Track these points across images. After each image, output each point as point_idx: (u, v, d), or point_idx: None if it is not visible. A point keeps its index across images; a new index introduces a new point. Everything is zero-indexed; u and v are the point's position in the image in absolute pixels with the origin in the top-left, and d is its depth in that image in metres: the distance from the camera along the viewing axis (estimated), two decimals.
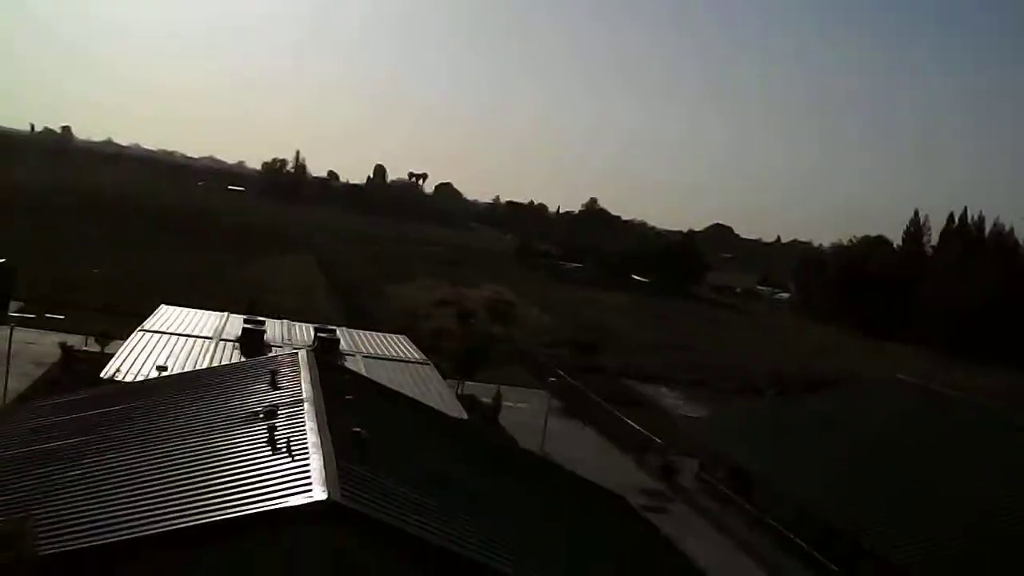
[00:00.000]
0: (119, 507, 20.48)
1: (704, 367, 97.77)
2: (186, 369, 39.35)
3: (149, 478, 22.19)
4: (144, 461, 23.54)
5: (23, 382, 51.01)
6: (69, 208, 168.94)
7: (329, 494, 19.62)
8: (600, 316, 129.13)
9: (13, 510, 20.14)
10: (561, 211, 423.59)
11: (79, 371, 51.33)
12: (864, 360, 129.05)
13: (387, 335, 65.61)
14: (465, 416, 45.91)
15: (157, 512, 19.90)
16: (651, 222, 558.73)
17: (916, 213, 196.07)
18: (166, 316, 58.65)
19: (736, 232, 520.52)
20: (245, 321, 55.30)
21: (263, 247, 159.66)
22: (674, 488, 51.63)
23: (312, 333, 57.10)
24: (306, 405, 26.63)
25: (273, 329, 56.98)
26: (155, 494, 20.98)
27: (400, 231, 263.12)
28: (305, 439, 23.32)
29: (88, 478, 22.74)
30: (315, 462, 21.52)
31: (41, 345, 60.09)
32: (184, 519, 19.55)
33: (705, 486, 49.74)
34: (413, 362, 55.82)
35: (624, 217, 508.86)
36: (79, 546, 18.65)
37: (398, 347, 60.40)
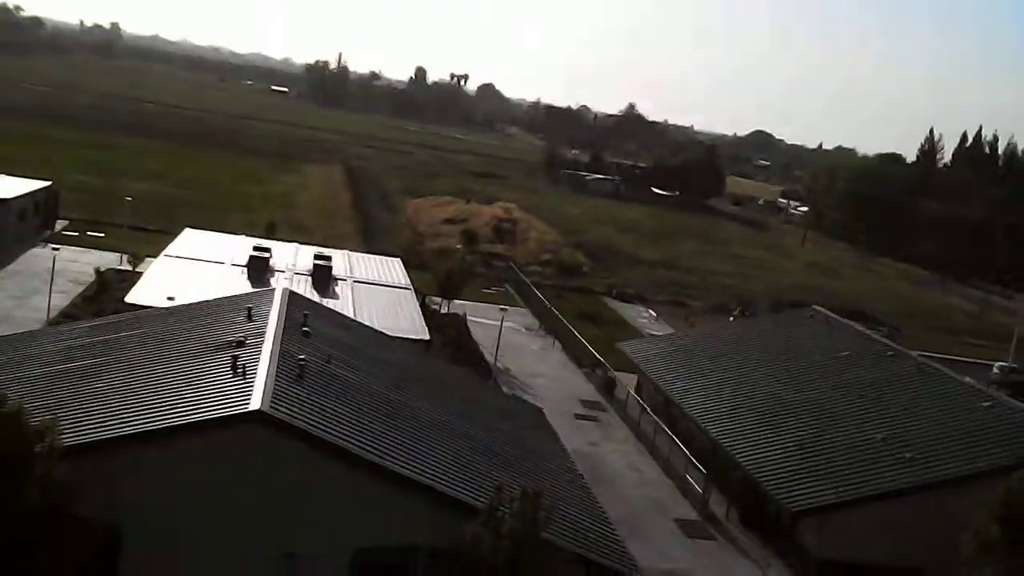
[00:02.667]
0: (114, 414, 29.77)
1: (688, 287, 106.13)
2: (193, 298, 48.02)
3: (141, 392, 31.41)
4: (139, 379, 32.75)
5: (63, 299, 60.47)
6: (115, 118, 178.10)
7: (260, 405, 28.71)
8: (607, 233, 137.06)
9: (44, 413, 29.32)
10: (599, 116, 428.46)
11: (110, 292, 60.65)
12: (853, 280, 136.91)
13: (383, 258, 74.56)
14: (427, 338, 54.81)
15: (141, 418, 29.16)
16: (696, 125, 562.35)
17: (931, 131, 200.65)
18: (188, 241, 67.79)
19: (778, 137, 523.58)
20: (254, 248, 64.06)
21: (296, 157, 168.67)
22: (611, 400, 60.57)
23: (312, 259, 65.67)
24: (268, 337, 35.58)
25: (279, 254, 65.75)
26: (142, 405, 30.22)
27: (435, 138, 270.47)
28: (257, 365, 32.39)
29: (97, 392, 32.01)
30: (258, 382, 30.59)
31: (81, 264, 69.36)
32: (158, 422, 28.81)
33: (636, 401, 58.48)
34: (396, 287, 64.61)
35: (669, 121, 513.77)
36: (83, 440, 27.91)
37: (389, 271, 69.15)
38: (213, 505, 28.61)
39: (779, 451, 44.65)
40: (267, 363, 32.33)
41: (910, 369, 51.18)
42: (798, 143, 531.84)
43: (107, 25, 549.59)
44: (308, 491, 29.09)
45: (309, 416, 30.11)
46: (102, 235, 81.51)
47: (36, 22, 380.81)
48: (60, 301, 59.64)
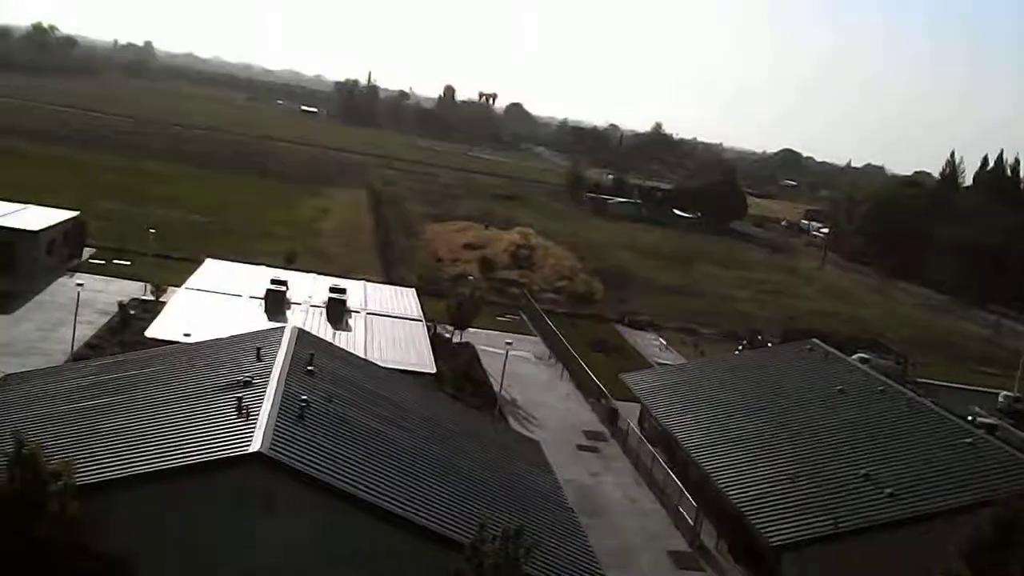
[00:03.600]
0: (125, 454, 32.07)
1: (701, 313, 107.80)
2: (209, 333, 50.28)
3: (150, 433, 33.70)
4: (149, 419, 35.06)
5: (89, 330, 63.01)
6: (146, 142, 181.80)
7: (260, 447, 30.89)
8: (625, 258, 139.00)
9: (60, 451, 31.58)
10: (625, 135, 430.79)
11: (132, 324, 63.16)
12: (869, 306, 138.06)
13: (397, 289, 76.95)
14: (433, 370, 57.00)
15: (149, 458, 31.43)
16: (725, 142, 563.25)
17: (952, 154, 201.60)
18: (208, 272, 70.30)
19: (808, 156, 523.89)
20: (271, 281, 66.40)
21: (323, 180, 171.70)
22: (613, 431, 62.43)
23: (328, 291, 67.86)
24: (273, 378, 37.82)
25: (296, 286, 68.09)
26: (151, 445, 32.51)
27: (462, 159, 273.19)
28: (261, 405, 34.60)
29: (110, 431, 34.34)
30: (260, 424, 32.79)
31: (107, 294, 71.95)
32: (166, 462, 31.06)
33: (636, 432, 60.28)
34: (408, 319, 66.84)
35: (698, 138, 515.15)
36: (95, 480, 30.19)
37: (402, 302, 71.38)
38: (216, 538, 30.77)
39: (766, 484, 46.41)
40: (270, 404, 34.56)
41: (900, 406, 52.81)
42: (828, 160, 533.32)
43: (140, 43, 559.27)
44: (304, 527, 31.22)
45: (307, 456, 32.30)
46: (128, 263, 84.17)
47: (69, 42, 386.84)
48: (85, 331, 62.15)
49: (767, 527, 42.93)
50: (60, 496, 28.24)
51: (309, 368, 40.46)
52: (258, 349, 41.37)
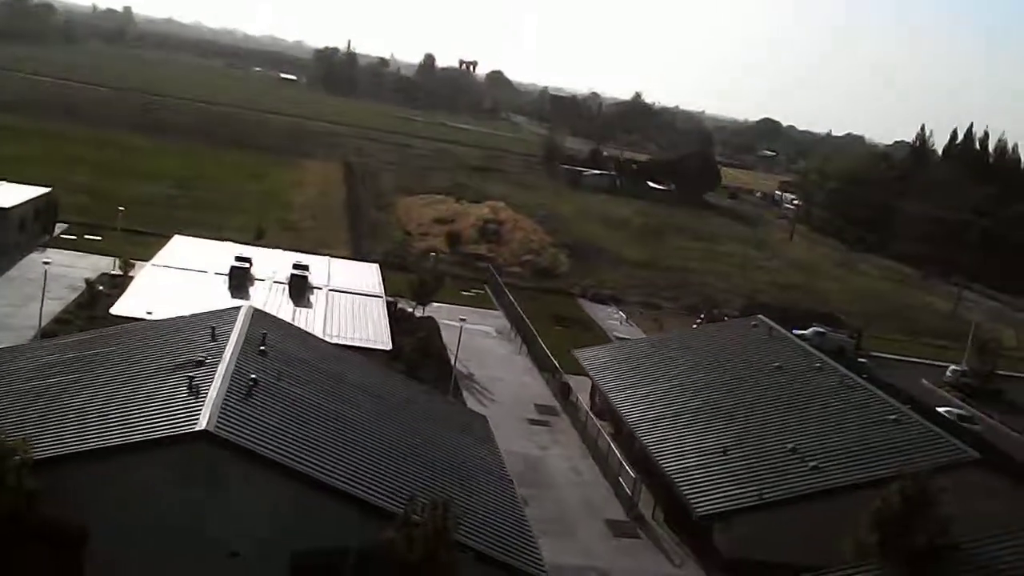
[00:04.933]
0: (81, 430, 34.28)
1: (665, 288, 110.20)
2: (173, 311, 52.25)
3: (106, 410, 35.86)
4: (106, 397, 37.22)
5: (58, 305, 64.90)
6: (123, 113, 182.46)
7: (207, 425, 33.07)
8: (595, 231, 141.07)
9: (19, 428, 33.71)
10: (604, 104, 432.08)
11: (100, 300, 65.12)
12: (834, 279, 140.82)
13: (361, 264, 79.17)
14: (389, 347, 59.23)
15: (103, 434, 33.63)
16: (708, 110, 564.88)
17: (922, 128, 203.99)
18: (176, 249, 72.26)
19: (788, 125, 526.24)
20: (236, 258, 68.28)
21: (298, 151, 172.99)
22: (564, 405, 64.88)
23: (291, 267, 69.72)
24: (225, 357, 39.97)
25: (261, 262, 69.97)
26: (106, 422, 34.69)
27: (439, 128, 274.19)
28: (211, 384, 36.75)
29: (68, 408, 36.52)
30: (208, 402, 34.97)
31: (77, 269, 73.82)
32: (119, 438, 33.26)
33: (590, 406, 62.79)
34: (368, 295, 68.97)
35: (680, 107, 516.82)
36: (51, 455, 32.37)
37: (364, 279, 73.46)
38: (166, 510, 33.00)
39: (699, 456, 48.96)
40: (219, 382, 36.74)
41: (833, 382, 55.31)
42: (809, 129, 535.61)
43: (120, 8, 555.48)
44: (250, 500, 33.49)
45: (253, 433, 34.51)
46: (99, 239, 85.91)
47: (48, 9, 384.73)
48: (54, 307, 63.98)
49: (695, 497, 45.46)
50: (17, 471, 30.35)
51: (261, 348, 42.63)
52: (213, 329, 43.44)
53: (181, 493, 32.96)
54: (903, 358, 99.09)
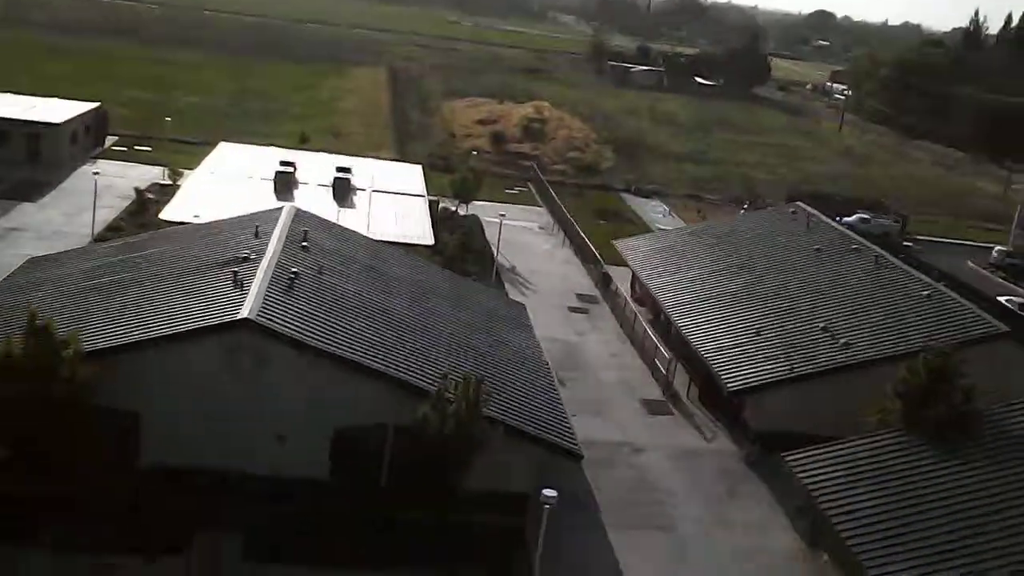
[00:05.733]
0: (130, 324, 36.17)
1: (710, 180, 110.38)
2: (218, 215, 54.04)
3: (155, 304, 37.75)
4: (155, 292, 39.09)
5: (110, 214, 67.09)
6: (173, 31, 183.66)
7: (248, 314, 34.82)
8: (642, 127, 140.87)
9: (73, 324, 35.75)
10: (653, 2, 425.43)
11: (150, 208, 67.18)
12: (884, 166, 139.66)
13: (404, 165, 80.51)
14: (431, 242, 60.72)
15: (149, 326, 35.52)
16: (760, 4, 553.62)
17: (976, 12, 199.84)
18: (222, 156, 74.02)
19: (843, 16, 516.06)
20: (280, 163, 69.93)
21: (345, 60, 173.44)
22: (605, 293, 66.18)
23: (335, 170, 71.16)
24: (268, 252, 41.67)
25: (305, 167, 71.55)
26: (151, 315, 36.59)
27: (486, 32, 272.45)
28: (254, 278, 38.48)
29: (118, 305, 38.45)
30: (251, 294, 36.70)
31: (127, 180, 75.87)
32: (166, 329, 35.16)
33: (630, 295, 64.05)
34: (411, 195, 70.36)
35: (732, 1, 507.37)
36: (102, 347, 34.36)
37: (407, 179, 74.79)
38: (214, 396, 34.94)
39: (732, 337, 50.08)
40: (262, 276, 38.46)
41: (868, 262, 55.91)
42: (864, 20, 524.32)
43: None
44: (293, 384, 35.32)
45: (293, 321, 36.23)
46: (149, 149, 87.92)
47: None
48: (106, 215, 66.17)
49: (727, 374, 46.76)
50: (70, 362, 32.35)
51: (303, 244, 44.29)
52: (256, 228, 45.12)
53: (227, 379, 34.81)
54: (950, 241, 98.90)
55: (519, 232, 78.32)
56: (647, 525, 38.99)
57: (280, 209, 49.42)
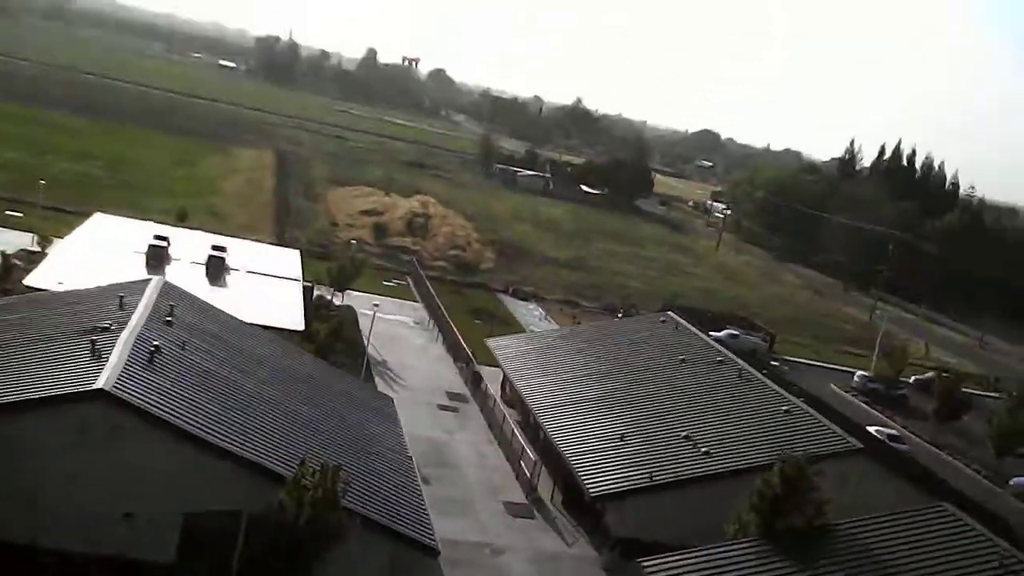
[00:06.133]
0: None
1: (587, 287, 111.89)
2: (85, 283, 52.57)
3: (7, 368, 36.36)
4: (4, 359, 37.65)
5: None
6: (55, 91, 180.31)
7: (104, 385, 33.74)
8: (524, 231, 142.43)
9: None
10: (545, 108, 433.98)
11: (16, 272, 65.06)
12: (756, 287, 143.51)
13: (281, 250, 79.87)
14: (301, 328, 60.00)
15: (3, 391, 34.15)
16: (650, 121, 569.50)
17: (851, 142, 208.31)
18: (96, 226, 72.38)
19: (728, 137, 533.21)
20: (154, 237, 68.68)
21: (231, 139, 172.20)
22: (475, 393, 66.06)
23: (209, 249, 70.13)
24: (131, 324, 40.64)
25: (180, 243, 70.34)
26: (5, 380, 35.21)
27: (376, 123, 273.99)
28: (113, 348, 37.40)
29: None
30: (109, 365, 35.63)
31: None
32: (7, 396, 33.81)
33: (500, 395, 64.09)
34: (285, 278, 69.68)
35: (623, 115, 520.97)
36: None
37: (283, 263, 74.09)
38: (63, 469, 33.60)
39: (597, 442, 50.36)
40: (121, 347, 37.44)
41: (732, 375, 57.10)
42: (749, 144, 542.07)
43: None
44: (145, 461, 34.19)
45: (151, 396, 35.23)
46: (21, 215, 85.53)
47: None
48: None
49: (590, 479, 46.86)
50: None
51: (167, 319, 43.32)
52: (121, 298, 44.03)
53: (78, 452, 33.57)
54: (815, 363, 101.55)
55: (394, 326, 78.12)
56: None
57: (147, 281, 48.42)
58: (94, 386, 33.69)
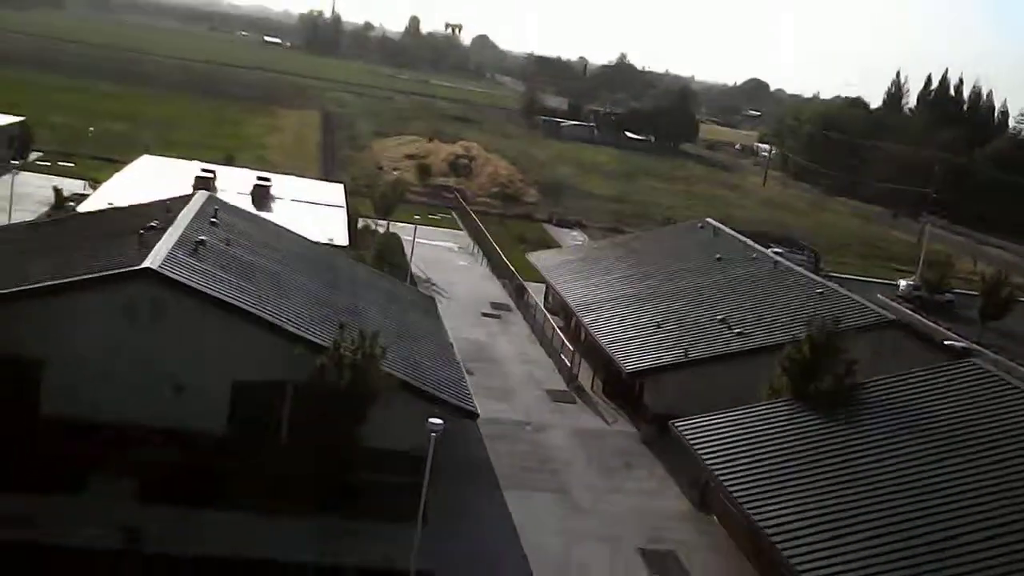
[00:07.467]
0: (40, 277, 36.70)
1: (629, 216, 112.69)
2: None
3: (59, 259, 38.34)
4: (61, 253, 39.66)
5: (28, 216, 67.14)
6: (102, 66, 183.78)
7: (151, 264, 35.56)
8: (569, 172, 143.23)
9: None
10: (590, 66, 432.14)
11: (67, 208, 67.46)
12: (804, 216, 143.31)
13: (326, 183, 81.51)
14: (346, 243, 61.62)
15: (56, 277, 36.12)
16: (697, 76, 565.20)
17: (897, 74, 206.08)
18: (143, 166, 74.60)
19: (778, 88, 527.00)
20: (201, 170, 70.65)
21: (276, 102, 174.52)
22: (519, 303, 67.47)
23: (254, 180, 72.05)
24: (176, 223, 42.49)
25: (226, 177, 72.28)
26: (57, 268, 37.17)
27: (421, 85, 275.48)
28: (160, 240, 39.27)
29: (25, 265, 39.01)
30: (156, 250, 37.46)
31: (48, 189, 75.95)
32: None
33: (538, 303, 65.49)
34: (330, 205, 71.42)
35: (670, 71, 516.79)
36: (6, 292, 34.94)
37: (328, 194, 75.83)
38: (116, 345, 35.49)
39: (634, 330, 51.60)
40: (167, 240, 39.26)
41: (767, 267, 58.01)
42: (799, 92, 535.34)
43: None
44: (192, 335, 36.00)
45: (195, 277, 36.99)
46: (72, 165, 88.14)
47: None
48: (24, 217, 66.14)
49: (626, 359, 48.13)
50: None
51: (212, 220, 45.13)
52: (168, 206, 45.95)
53: (129, 328, 35.39)
54: (862, 278, 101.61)
55: (438, 251, 79.68)
56: (544, 488, 39.96)
57: (193, 195, 50.27)
58: (141, 265, 35.46)
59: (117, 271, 35.82)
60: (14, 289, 35.30)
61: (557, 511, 38.17)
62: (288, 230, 53.43)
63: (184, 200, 48.44)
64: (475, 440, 42.46)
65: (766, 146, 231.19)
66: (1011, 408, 38.03)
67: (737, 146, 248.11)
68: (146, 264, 35.49)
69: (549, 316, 61.17)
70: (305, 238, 54.56)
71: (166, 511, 32.92)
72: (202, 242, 40.54)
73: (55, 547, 30.08)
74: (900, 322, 49.78)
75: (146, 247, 38.36)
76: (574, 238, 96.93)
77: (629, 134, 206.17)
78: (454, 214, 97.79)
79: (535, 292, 67.91)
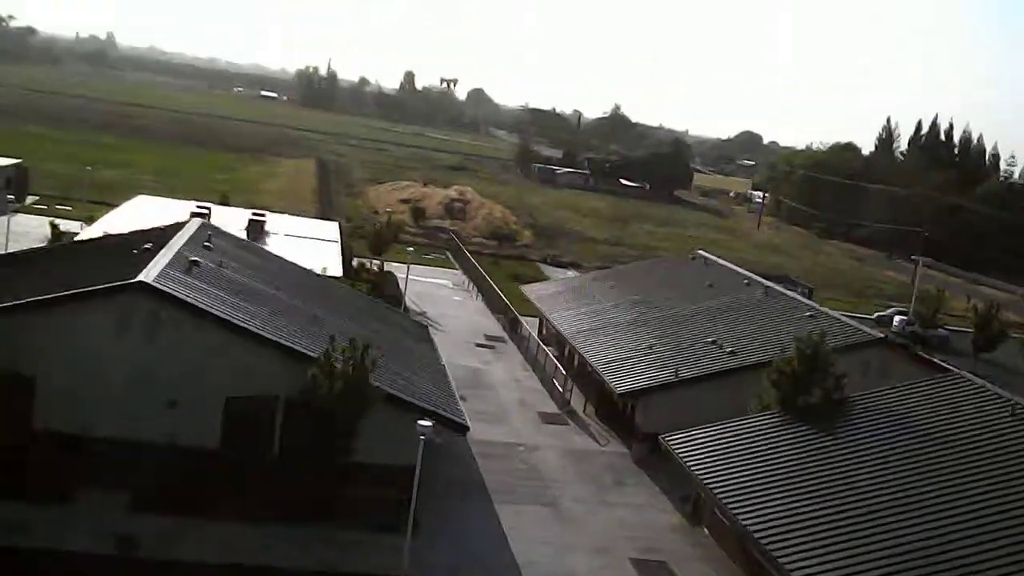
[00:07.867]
0: (35, 287, 37.12)
1: (623, 257, 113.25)
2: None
3: (61, 275, 38.76)
4: (58, 272, 40.09)
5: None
6: (97, 118, 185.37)
7: (144, 278, 35.99)
8: (564, 217, 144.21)
9: None
10: (584, 119, 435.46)
11: (63, 240, 67.99)
12: (798, 259, 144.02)
13: (321, 221, 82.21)
14: (340, 275, 62.11)
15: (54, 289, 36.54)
16: (691, 130, 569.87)
17: (888, 120, 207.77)
18: (139, 204, 75.28)
19: (770, 140, 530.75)
20: (196, 206, 71.32)
21: (272, 152, 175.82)
22: (512, 335, 67.84)
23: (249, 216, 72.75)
24: (171, 244, 43.00)
25: (220, 215, 72.86)
26: (54, 285, 37.59)
27: (417, 138, 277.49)
28: (152, 260, 39.73)
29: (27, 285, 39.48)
30: (150, 267, 37.92)
31: (45, 228, 76.60)
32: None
33: (532, 335, 65.81)
34: (324, 240, 72.02)
35: (664, 125, 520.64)
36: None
37: (322, 230, 76.50)
38: (109, 360, 35.76)
39: (626, 353, 51.97)
40: (162, 259, 39.74)
41: (758, 293, 58.52)
42: (791, 144, 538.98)
43: (103, 35, 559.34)
44: (185, 349, 36.29)
45: (188, 292, 37.39)
46: (70, 208, 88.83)
47: (29, 31, 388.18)
48: None
49: (617, 381, 48.44)
50: None
51: (206, 244, 45.65)
52: (163, 232, 46.48)
53: (122, 343, 35.70)
54: (855, 315, 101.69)
55: (432, 287, 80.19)
56: (535, 502, 40.16)
57: (188, 222, 50.83)
58: (135, 279, 35.88)
59: (111, 284, 36.16)
60: (8, 304, 35.62)
61: (548, 523, 38.28)
62: (282, 257, 53.90)
63: (178, 227, 48.99)
64: (468, 459, 42.72)
65: (760, 193, 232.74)
66: (998, 418, 38.34)
67: (732, 193, 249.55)
68: (140, 278, 35.88)
69: (542, 345, 61.50)
70: (298, 265, 55.10)
71: (159, 521, 33.06)
72: (195, 262, 41.03)
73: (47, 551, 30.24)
74: (889, 340, 49.95)
75: (140, 265, 38.80)
76: (568, 276, 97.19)
77: (624, 181, 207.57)
78: (448, 254, 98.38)
79: (529, 325, 68.24)
